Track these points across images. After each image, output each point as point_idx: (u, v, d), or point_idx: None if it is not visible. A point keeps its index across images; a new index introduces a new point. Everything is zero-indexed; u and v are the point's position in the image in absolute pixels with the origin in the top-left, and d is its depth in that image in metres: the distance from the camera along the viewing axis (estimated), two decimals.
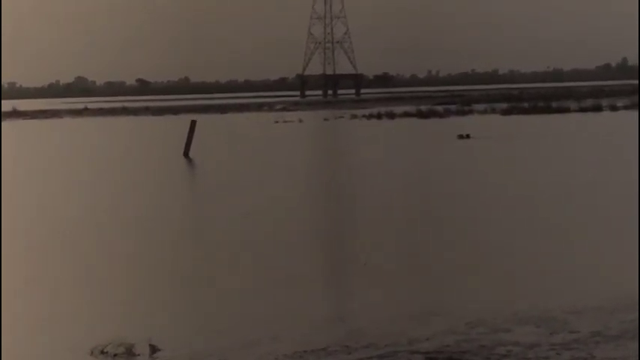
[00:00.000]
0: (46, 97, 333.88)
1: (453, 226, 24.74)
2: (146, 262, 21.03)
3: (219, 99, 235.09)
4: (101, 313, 16.07)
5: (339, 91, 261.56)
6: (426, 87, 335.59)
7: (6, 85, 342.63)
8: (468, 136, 62.55)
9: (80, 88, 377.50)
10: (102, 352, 13.19)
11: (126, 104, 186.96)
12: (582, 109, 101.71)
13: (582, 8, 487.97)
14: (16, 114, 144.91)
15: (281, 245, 22.38)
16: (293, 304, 15.99)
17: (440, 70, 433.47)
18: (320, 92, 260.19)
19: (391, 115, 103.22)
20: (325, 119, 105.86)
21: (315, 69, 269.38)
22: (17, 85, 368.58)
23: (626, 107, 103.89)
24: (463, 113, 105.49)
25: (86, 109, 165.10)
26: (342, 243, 22.92)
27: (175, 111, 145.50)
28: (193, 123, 58.82)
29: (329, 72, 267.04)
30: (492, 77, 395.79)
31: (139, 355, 13.16)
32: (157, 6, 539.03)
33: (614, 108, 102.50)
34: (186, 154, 56.38)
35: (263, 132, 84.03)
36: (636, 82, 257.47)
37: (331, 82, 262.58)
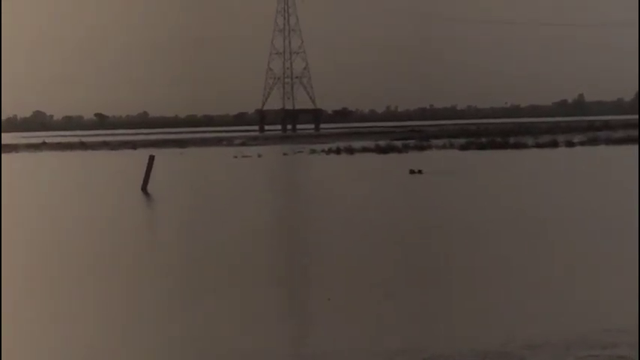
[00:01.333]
0: (4, 132, 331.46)
1: (413, 261, 24.83)
2: (102, 297, 20.81)
3: (177, 134, 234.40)
4: (58, 349, 15.92)
5: (298, 126, 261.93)
6: (385, 122, 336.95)
7: None
8: (420, 172, 63.02)
9: (38, 122, 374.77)
10: None
11: (84, 139, 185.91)
12: (539, 145, 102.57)
13: (539, 45, 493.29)
14: None
15: (242, 281, 22.22)
16: (255, 341, 15.95)
17: (398, 105, 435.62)
18: (279, 127, 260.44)
19: (350, 150, 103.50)
20: (284, 154, 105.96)
21: (274, 104, 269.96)
22: None
23: (582, 143, 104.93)
24: (422, 148, 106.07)
25: (44, 143, 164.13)
26: (305, 278, 22.80)
27: (133, 145, 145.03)
28: (151, 158, 58.65)
29: (288, 107, 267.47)
30: (450, 113, 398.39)
31: None
32: (114, 40, 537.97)
33: (570, 144, 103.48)
34: (144, 188, 56.13)
35: (222, 167, 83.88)
36: (591, 118, 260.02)
37: (290, 117, 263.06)
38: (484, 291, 20.15)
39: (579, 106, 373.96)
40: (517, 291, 19.95)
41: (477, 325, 16.77)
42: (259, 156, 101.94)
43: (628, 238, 27.81)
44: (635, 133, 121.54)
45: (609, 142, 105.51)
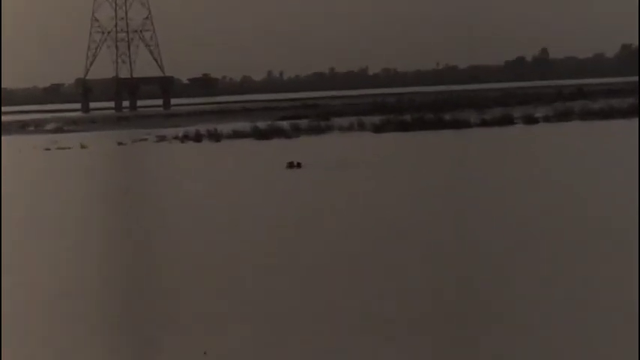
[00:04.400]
0: None
1: (279, 275, 25.13)
2: None
3: None
4: None
5: (140, 102, 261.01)
6: (266, 94, 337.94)
7: None
8: (298, 165, 63.53)
9: None
10: None
11: None
12: (486, 123, 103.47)
13: None
14: None
15: (76, 301, 22.78)
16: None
17: (284, 69, 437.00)
18: (111, 104, 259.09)
19: (216, 136, 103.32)
20: (119, 143, 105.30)
21: (103, 71, 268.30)
22: None
23: (547, 119, 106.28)
24: (319, 131, 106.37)
25: None
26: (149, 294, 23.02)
27: None
28: None
29: (124, 75, 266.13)
30: (360, 79, 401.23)
31: None
32: None
33: (530, 120, 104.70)
34: None
35: (27, 164, 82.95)
36: (560, 82, 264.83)
37: (127, 89, 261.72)
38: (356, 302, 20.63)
39: (542, 65, 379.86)
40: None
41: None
42: (83, 147, 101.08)
43: (616, 244, 28.42)
44: (621, 103, 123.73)
45: (586, 116, 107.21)
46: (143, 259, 32.79)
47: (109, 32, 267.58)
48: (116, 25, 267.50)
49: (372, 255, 30.76)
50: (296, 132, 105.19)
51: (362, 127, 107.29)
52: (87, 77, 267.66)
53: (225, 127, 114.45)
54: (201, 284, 27.40)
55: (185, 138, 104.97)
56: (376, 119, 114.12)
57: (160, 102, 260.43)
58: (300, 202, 46.42)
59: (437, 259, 29.49)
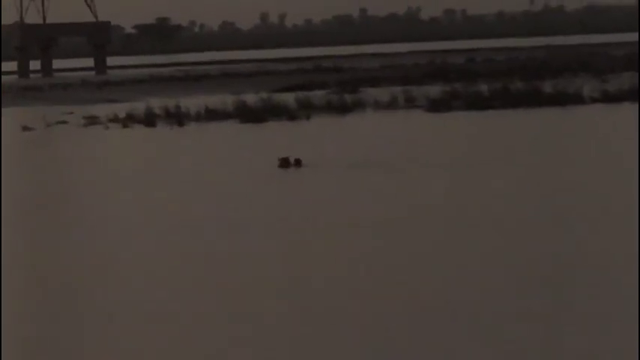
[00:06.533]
0: None
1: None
2: None
3: None
4: None
5: (57, 64, 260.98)
6: (257, 50, 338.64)
7: None
8: (297, 163, 62.98)
9: None
10: None
11: None
12: (609, 97, 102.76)
13: None
14: None
15: None
16: None
17: (288, 12, 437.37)
18: (12, 66, 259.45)
19: (178, 117, 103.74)
20: (25, 128, 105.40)
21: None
22: None
23: None
24: (342, 109, 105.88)
25: None
26: None
27: None
28: None
29: (32, 20, 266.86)
30: (407, 27, 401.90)
31: None
32: None
33: None
34: None
35: None
36: None
37: (38, 41, 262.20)
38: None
39: None
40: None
41: None
42: None
43: None
44: None
45: None
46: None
47: None
48: None
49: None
50: (305, 111, 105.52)
51: (411, 102, 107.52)
52: None
53: (193, 103, 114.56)
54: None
55: (129, 120, 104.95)
56: (434, 90, 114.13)
57: (90, 62, 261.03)
58: (301, 227, 46.42)
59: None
